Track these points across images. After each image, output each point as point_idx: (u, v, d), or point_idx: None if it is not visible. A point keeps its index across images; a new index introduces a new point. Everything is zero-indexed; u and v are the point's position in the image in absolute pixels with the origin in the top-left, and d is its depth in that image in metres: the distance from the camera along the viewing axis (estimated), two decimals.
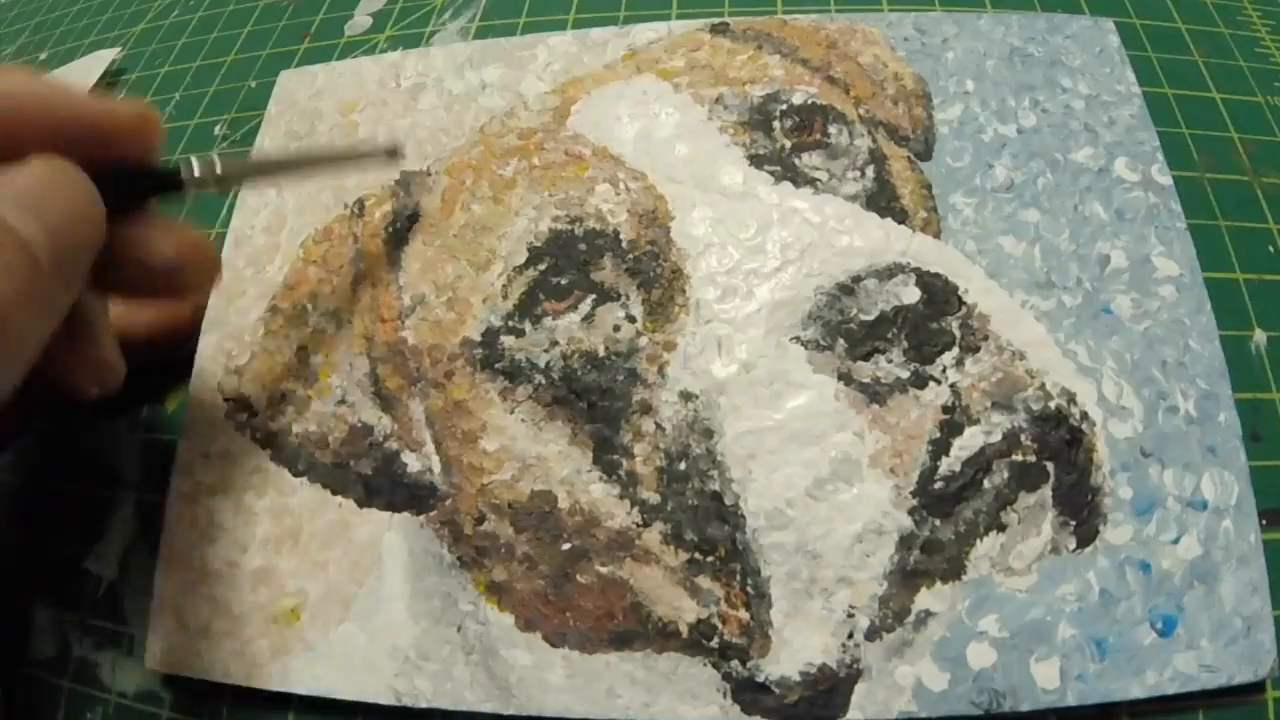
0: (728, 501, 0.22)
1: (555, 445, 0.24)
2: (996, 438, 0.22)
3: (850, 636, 0.21)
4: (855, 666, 0.21)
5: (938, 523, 0.22)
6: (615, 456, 0.23)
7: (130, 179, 0.20)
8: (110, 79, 0.38)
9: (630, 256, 0.25)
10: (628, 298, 0.24)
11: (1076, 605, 0.21)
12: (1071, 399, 0.23)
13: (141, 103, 0.20)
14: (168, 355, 0.27)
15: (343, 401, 0.25)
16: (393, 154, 0.26)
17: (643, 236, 0.25)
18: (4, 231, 0.16)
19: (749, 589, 0.22)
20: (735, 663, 0.22)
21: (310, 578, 0.24)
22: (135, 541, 0.26)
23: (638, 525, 0.23)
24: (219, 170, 0.21)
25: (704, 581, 0.22)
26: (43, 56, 0.40)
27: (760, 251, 0.24)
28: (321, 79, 0.32)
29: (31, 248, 0.16)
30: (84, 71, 0.38)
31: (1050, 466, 0.22)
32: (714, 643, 0.22)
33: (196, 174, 0.21)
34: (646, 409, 0.23)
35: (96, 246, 0.18)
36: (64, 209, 0.17)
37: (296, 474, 0.25)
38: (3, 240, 0.16)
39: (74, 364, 0.21)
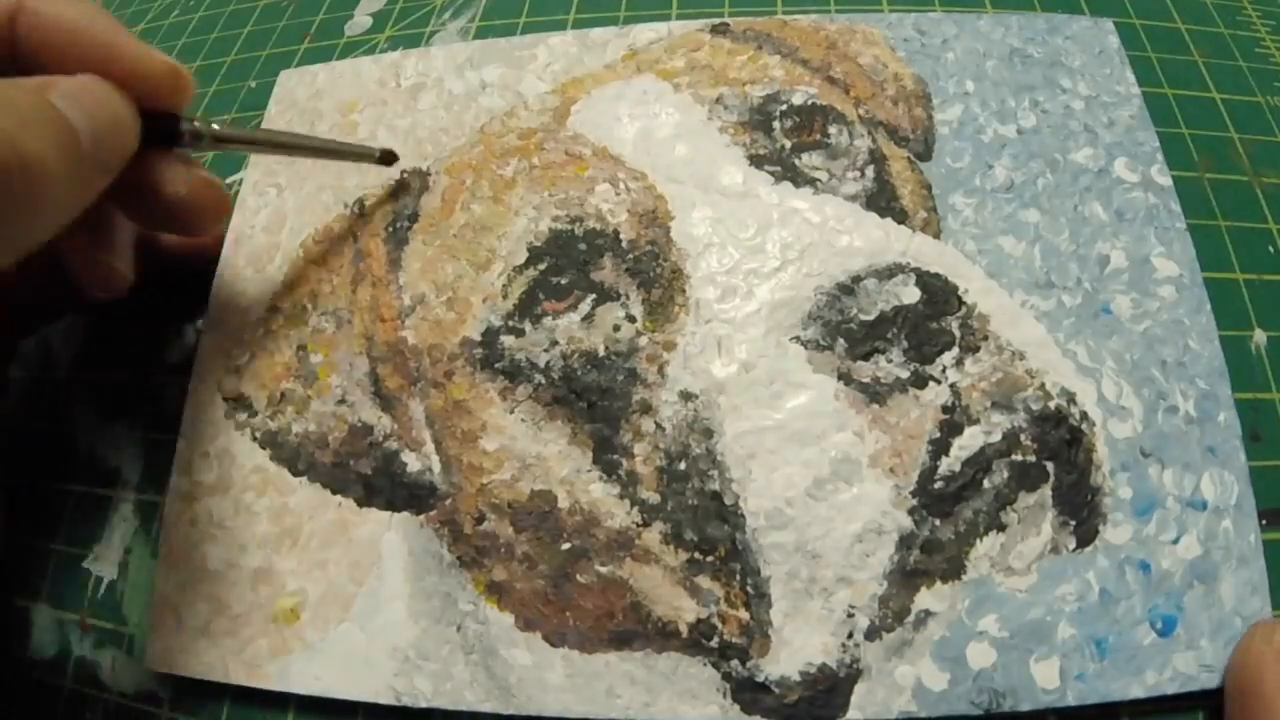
0: (728, 501, 0.22)
1: (555, 445, 0.24)
2: (996, 438, 0.22)
3: (850, 636, 0.21)
4: (855, 666, 0.21)
5: (938, 522, 0.22)
6: (615, 456, 0.23)
7: (156, 124, 0.23)
8: None
9: (630, 256, 0.25)
10: (628, 298, 0.24)
11: (1076, 605, 0.21)
12: (1071, 399, 0.23)
13: (176, 63, 0.23)
14: (190, 272, 0.29)
15: (343, 401, 0.25)
16: (388, 159, 0.27)
17: (643, 236, 0.25)
18: (59, 116, 0.19)
19: (749, 589, 0.22)
20: (735, 662, 0.22)
21: (310, 577, 0.24)
22: (135, 541, 0.26)
23: (638, 525, 0.23)
24: (217, 130, 0.24)
25: (704, 581, 0.22)
26: None
27: (760, 251, 0.24)
28: (321, 79, 0.32)
29: (77, 133, 0.19)
30: None
31: (1050, 466, 0.22)
32: (714, 642, 0.22)
33: (197, 130, 0.23)
34: (646, 409, 0.23)
35: (127, 150, 0.21)
36: (106, 113, 0.20)
37: (296, 474, 0.25)
38: (57, 123, 0.19)
39: (89, 264, 0.24)
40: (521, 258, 0.25)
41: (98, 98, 0.20)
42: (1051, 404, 0.23)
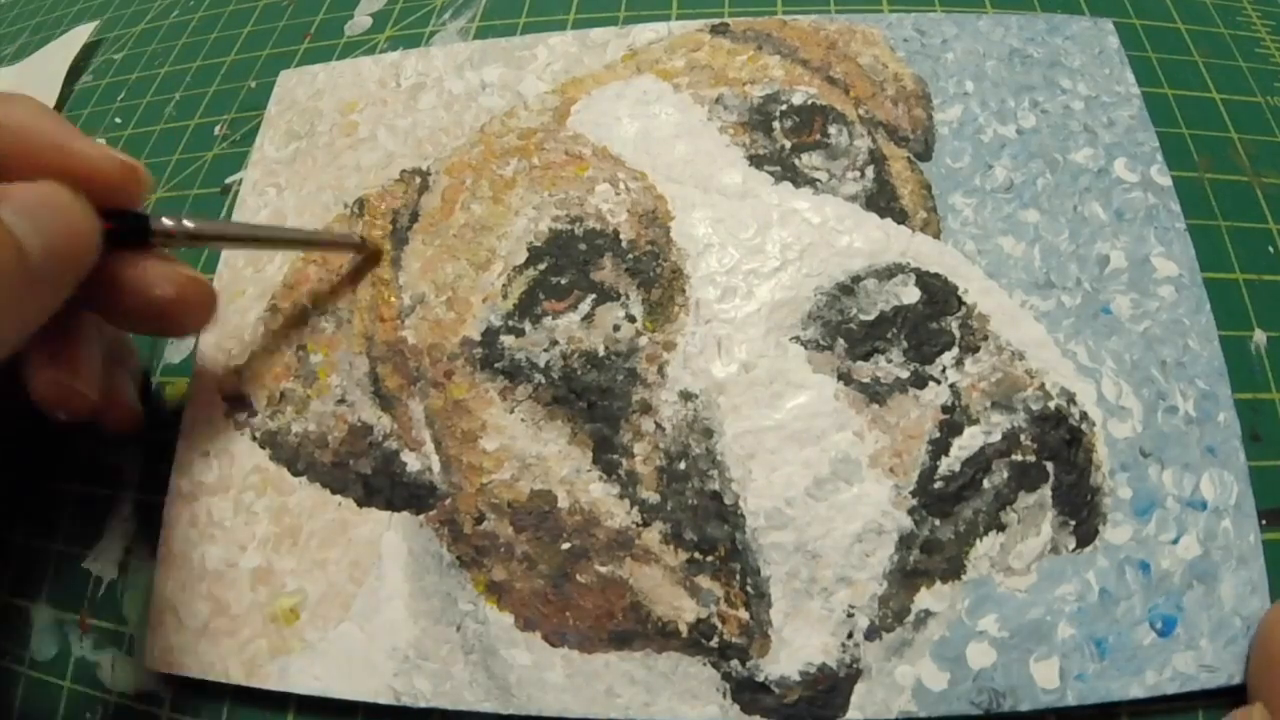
0: (727, 501, 0.22)
1: (555, 445, 0.24)
2: (996, 438, 0.22)
3: (850, 636, 0.21)
4: (855, 666, 0.21)
5: (937, 522, 0.22)
6: (615, 456, 0.23)
7: (120, 224, 0.21)
8: (87, 51, 0.39)
9: (630, 256, 0.25)
10: (628, 297, 0.24)
11: (1076, 605, 0.21)
12: (1071, 399, 0.23)
13: (130, 157, 0.22)
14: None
15: (343, 401, 0.25)
16: (362, 246, 0.27)
17: (643, 236, 0.25)
18: (3, 232, 0.18)
19: (748, 589, 0.22)
20: (735, 662, 0.22)
21: (309, 577, 0.24)
22: (135, 541, 0.26)
23: (637, 525, 0.23)
24: (191, 228, 0.23)
25: (704, 581, 0.22)
26: None
27: (760, 251, 0.24)
28: (321, 79, 0.32)
29: (24, 251, 0.18)
30: (62, 47, 0.39)
31: (1050, 466, 0.22)
32: (714, 642, 0.22)
33: (167, 227, 0.22)
34: (646, 409, 0.23)
35: (85, 260, 0.20)
36: (60, 224, 0.19)
37: (296, 473, 0.25)
38: (1, 239, 0.17)
39: (48, 385, 0.22)
40: (521, 258, 0.25)
41: (51, 208, 0.19)
42: (1051, 404, 0.23)
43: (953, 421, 0.22)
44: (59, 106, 0.37)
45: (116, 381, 0.25)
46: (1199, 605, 0.21)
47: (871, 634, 0.21)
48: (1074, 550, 0.22)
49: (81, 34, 0.39)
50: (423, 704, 0.22)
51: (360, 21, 0.35)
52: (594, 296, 0.25)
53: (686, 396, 0.23)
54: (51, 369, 0.22)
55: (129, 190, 0.22)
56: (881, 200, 0.26)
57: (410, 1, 0.35)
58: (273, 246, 0.28)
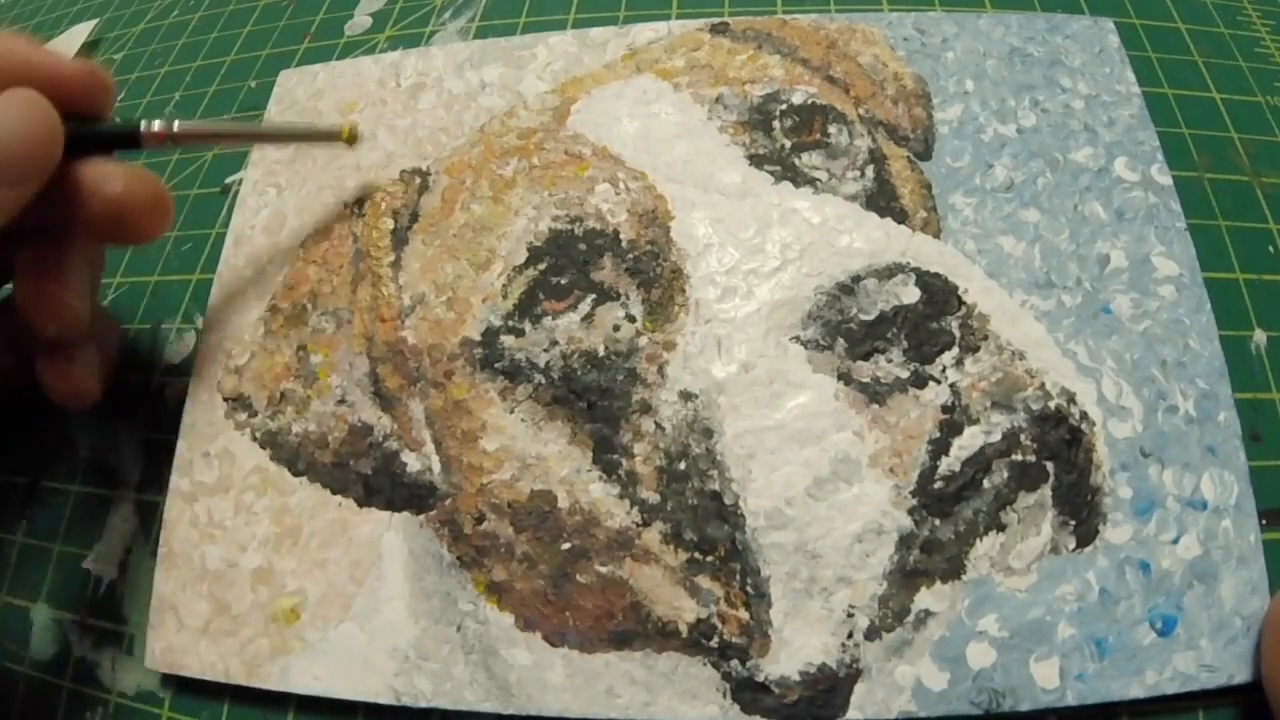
0: (727, 501, 0.22)
1: (555, 445, 0.24)
2: (996, 437, 0.22)
3: (850, 636, 0.21)
4: (855, 666, 0.21)
5: (937, 522, 0.22)
6: (615, 456, 0.23)
7: (90, 131, 0.23)
8: (87, 51, 0.39)
9: (630, 256, 0.25)
10: (627, 297, 0.24)
11: (1076, 605, 0.21)
12: (1071, 399, 0.23)
13: (94, 64, 0.23)
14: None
15: (343, 401, 0.25)
16: (352, 138, 0.28)
17: (642, 236, 0.25)
18: None
19: (748, 589, 0.22)
20: (735, 662, 0.22)
21: (310, 577, 0.24)
22: (135, 541, 0.26)
23: (637, 525, 0.23)
24: (175, 129, 0.23)
25: (704, 581, 0.22)
26: None
27: (760, 251, 0.24)
28: (321, 79, 0.32)
29: None
30: (62, 45, 0.39)
31: (1050, 466, 0.22)
32: (714, 642, 0.22)
33: (155, 129, 0.23)
34: (646, 409, 0.23)
35: (48, 160, 0.21)
36: (23, 122, 0.20)
37: (296, 474, 0.25)
38: None
39: (39, 298, 0.23)
40: (521, 257, 0.25)
41: (14, 106, 0.20)
42: (1051, 404, 0.23)
43: (953, 421, 0.22)
44: None
45: (85, 353, 0.25)
46: (1199, 605, 0.21)
47: (871, 634, 0.21)
48: (1074, 550, 0.22)
49: (81, 32, 0.39)
50: (423, 704, 0.22)
51: (360, 21, 0.35)
52: (594, 296, 0.25)
53: (686, 396, 0.23)
54: (38, 279, 0.23)
55: (94, 97, 0.23)
56: (881, 200, 0.26)
57: (410, 1, 0.35)
58: (258, 141, 0.29)
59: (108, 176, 0.22)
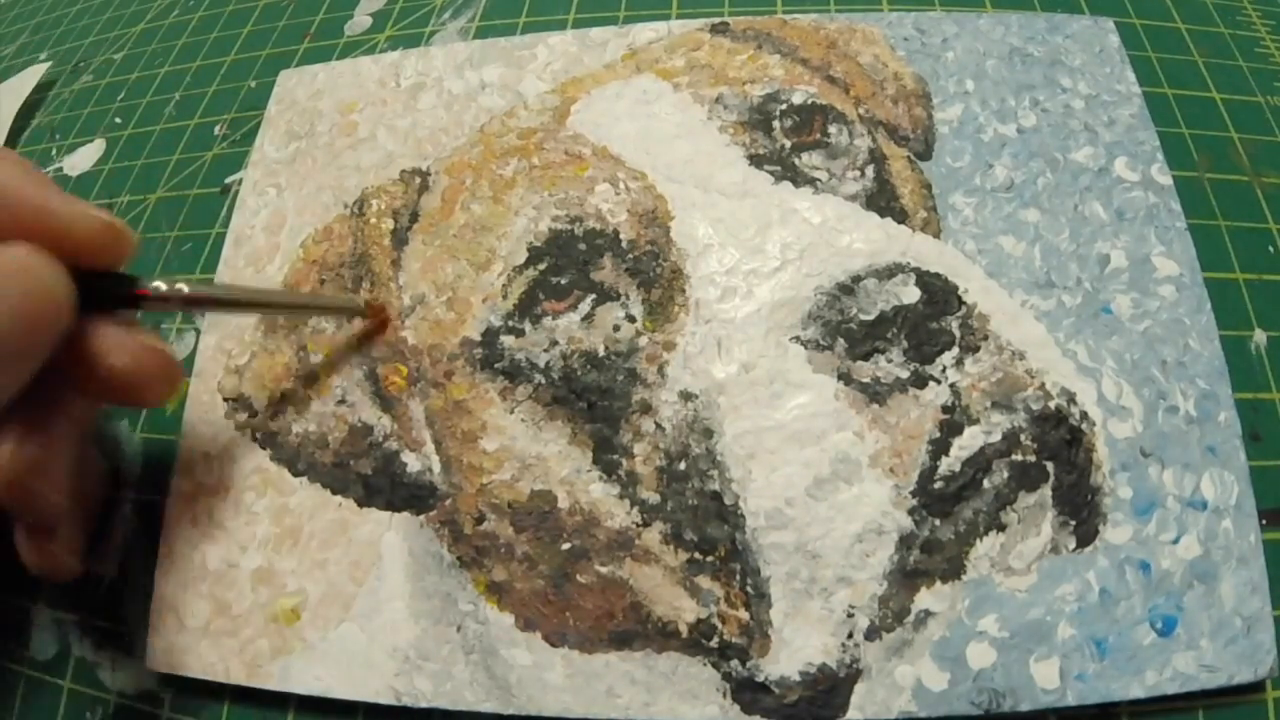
0: (727, 501, 0.22)
1: (555, 445, 0.24)
2: (996, 437, 0.22)
3: (850, 636, 0.21)
4: (855, 666, 0.21)
5: (937, 522, 0.22)
6: (615, 456, 0.23)
7: (97, 287, 0.20)
8: (39, 92, 0.38)
9: (630, 256, 0.25)
10: (628, 297, 0.24)
11: (1076, 605, 0.21)
12: (1071, 399, 0.23)
13: (114, 217, 0.20)
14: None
15: (343, 401, 0.25)
16: (362, 312, 0.26)
17: (642, 236, 0.25)
18: None
19: (749, 589, 0.22)
20: (735, 662, 0.22)
21: (310, 577, 0.24)
22: (135, 541, 0.26)
23: (637, 525, 0.23)
24: (185, 291, 0.21)
25: (704, 581, 0.22)
26: (42, 56, 0.40)
27: (760, 251, 0.24)
28: (321, 79, 0.32)
29: None
30: (18, 85, 0.38)
31: (1050, 466, 0.22)
32: (714, 642, 0.22)
33: (163, 291, 0.21)
34: (646, 409, 0.23)
35: (55, 327, 0.18)
36: (28, 291, 0.18)
37: (296, 474, 0.25)
38: None
39: (29, 551, 0.22)
40: (521, 258, 0.25)
41: (19, 275, 0.18)
42: (1051, 404, 0.23)
43: (953, 421, 0.22)
44: (44, 104, 0.37)
45: (66, 530, 0.23)
46: (1199, 605, 0.21)
47: (871, 634, 0.21)
48: (1074, 550, 0.22)
49: (35, 73, 0.38)
50: (423, 704, 0.22)
51: (360, 21, 0.35)
52: (594, 296, 0.25)
53: (686, 396, 0.23)
54: (35, 540, 0.22)
55: (111, 251, 0.20)
56: (881, 200, 0.26)
57: (410, 1, 0.35)
58: (272, 311, 0.27)
59: (114, 348, 0.20)
